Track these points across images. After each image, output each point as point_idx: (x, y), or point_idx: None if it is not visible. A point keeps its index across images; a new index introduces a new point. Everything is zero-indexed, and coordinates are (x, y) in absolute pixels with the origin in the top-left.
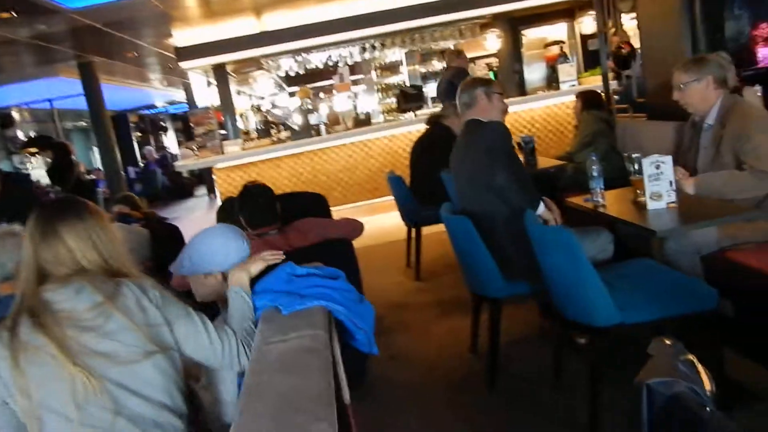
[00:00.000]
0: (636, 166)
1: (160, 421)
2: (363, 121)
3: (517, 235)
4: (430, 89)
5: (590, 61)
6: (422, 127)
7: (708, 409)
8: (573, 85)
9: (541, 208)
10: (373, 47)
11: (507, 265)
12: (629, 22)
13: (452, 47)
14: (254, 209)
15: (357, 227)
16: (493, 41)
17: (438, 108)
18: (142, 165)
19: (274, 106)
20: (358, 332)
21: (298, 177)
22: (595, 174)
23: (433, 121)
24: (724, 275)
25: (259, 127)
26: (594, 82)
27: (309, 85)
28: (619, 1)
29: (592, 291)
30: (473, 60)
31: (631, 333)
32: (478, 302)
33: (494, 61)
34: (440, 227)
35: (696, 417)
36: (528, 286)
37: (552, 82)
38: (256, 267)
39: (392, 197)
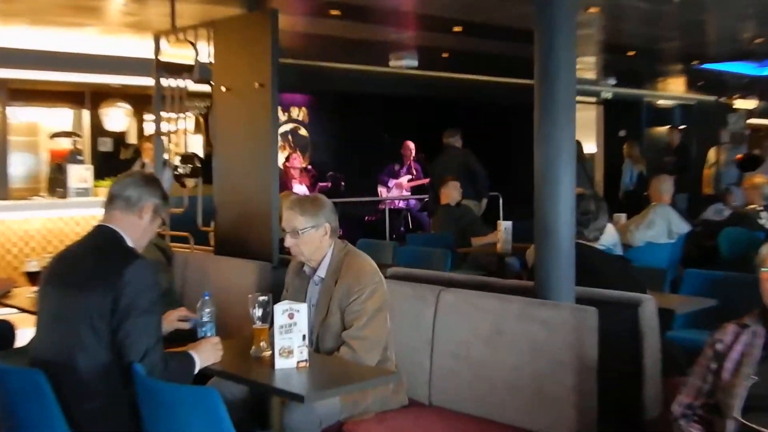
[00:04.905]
0: (259, 312)
1: None
2: None
3: (113, 398)
4: None
5: (105, 165)
6: None
7: None
8: (85, 194)
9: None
10: None
11: None
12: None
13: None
14: None
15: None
16: None
17: None
18: None
19: None
20: None
21: None
22: (205, 318)
23: None
24: None
25: None
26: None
27: None
28: (187, 101)
29: None
30: None
31: None
32: None
33: None
34: None
35: None
36: None
37: (57, 186)
38: None
39: None
